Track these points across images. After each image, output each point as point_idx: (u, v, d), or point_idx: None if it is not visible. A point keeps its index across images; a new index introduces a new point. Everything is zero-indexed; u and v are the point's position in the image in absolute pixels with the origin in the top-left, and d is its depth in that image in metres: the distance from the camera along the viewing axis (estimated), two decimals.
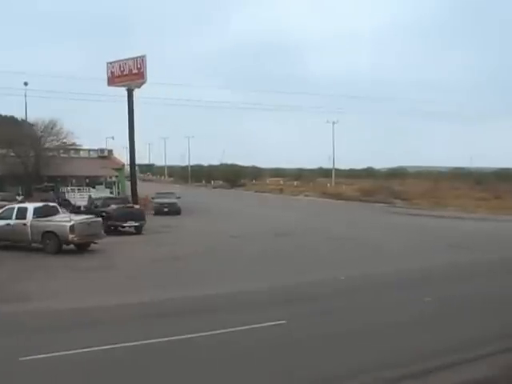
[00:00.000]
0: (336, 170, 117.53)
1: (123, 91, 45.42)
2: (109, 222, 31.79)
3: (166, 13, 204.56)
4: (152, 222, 38.78)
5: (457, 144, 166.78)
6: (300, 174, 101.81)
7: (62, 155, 49.18)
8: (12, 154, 45.08)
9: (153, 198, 47.07)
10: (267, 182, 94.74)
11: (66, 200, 42.33)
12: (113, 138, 56.76)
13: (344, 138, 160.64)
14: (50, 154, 46.06)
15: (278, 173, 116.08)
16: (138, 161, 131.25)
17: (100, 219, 26.12)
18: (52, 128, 48.53)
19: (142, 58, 50.35)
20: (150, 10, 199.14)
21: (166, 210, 43.91)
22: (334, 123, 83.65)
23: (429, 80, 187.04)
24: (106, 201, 33.24)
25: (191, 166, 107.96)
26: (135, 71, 50.15)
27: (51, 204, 26.98)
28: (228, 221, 39.53)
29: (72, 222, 23.94)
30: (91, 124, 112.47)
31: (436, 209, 53.02)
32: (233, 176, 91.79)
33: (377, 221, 40.08)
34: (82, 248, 24.98)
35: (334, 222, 38.89)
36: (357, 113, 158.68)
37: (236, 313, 13.71)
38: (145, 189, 54.31)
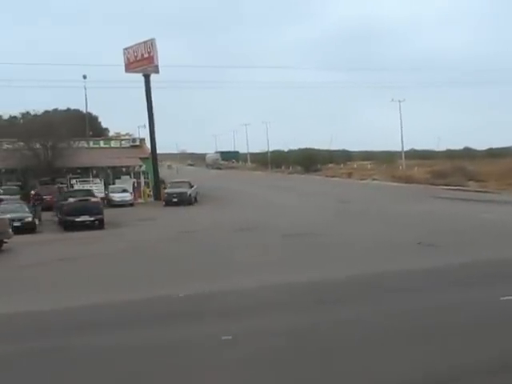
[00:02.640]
0: (431, 151, 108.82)
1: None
2: (62, 217, 29.32)
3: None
4: (145, 213, 36.05)
5: None
6: (388, 157, 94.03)
7: (80, 146, 47.79)
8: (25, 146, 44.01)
9: (164, 188, 44.26)
10: (341, 166, 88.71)
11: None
12: (144, 126, 54.26)
13: (447, 117, 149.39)
14: (61, 145, 44.34)
15: (368, 156, 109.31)
16: (223, 148, 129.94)
17: (6, 217, 23.42)
18: None
19: (152, 42, 47.81)
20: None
21: (175, 200, 40.86)
22: (399, 102, 76.37)
23: None
24: (68, 194, 30.59)
25: (271, 152, 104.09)
26: (146, 55, 47.83)
27: None
28: (227, 211, 35.75)
29: None
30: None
31: (503, 191, 45.66)
32: (307, 161, 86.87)
33: (394, 209, 34.09)
34: None
35: (339, 212, 33.58)
36: (461, 88, 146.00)
37: None
38: (200, 177, 51.58)
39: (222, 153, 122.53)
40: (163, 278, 16.51)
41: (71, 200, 29.35)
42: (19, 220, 28.10)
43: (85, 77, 62.41)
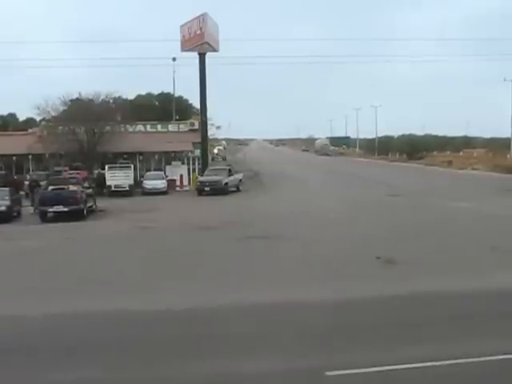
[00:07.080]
0: None
1: None
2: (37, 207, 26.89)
3: None
4: (162, 203, 33.09)
5: None
6: (503, 144, 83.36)
7: (137, 130, 45.91)
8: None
9: (199, 176, 40.73)
10: (447, 153, 79.60)
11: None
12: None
13: None
14: (107, 130, 42.43)
15: (490, 142, 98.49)
16: (334, 133, 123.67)
17: None
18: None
19: (203, 17, 44.26)
20: None
21: (207, 189, 37.18)
22: None
23: None
24: (51, 181, 28.04)
25: (379, 138, 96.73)
26: (198, 32, 44.48)
27: None
28: (252, 204, 31.75)
29: None
30: None
31: None
32: (410, 148, 79.16)
33: (439, 206, 27.98)
34: None
35: (363, 207, 28.18)
36: None
37: None
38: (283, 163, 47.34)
39: (332, 138, 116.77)
40: None
41: (50, 188, 26.79)
42: None
43: (174, 59, 60.04)
